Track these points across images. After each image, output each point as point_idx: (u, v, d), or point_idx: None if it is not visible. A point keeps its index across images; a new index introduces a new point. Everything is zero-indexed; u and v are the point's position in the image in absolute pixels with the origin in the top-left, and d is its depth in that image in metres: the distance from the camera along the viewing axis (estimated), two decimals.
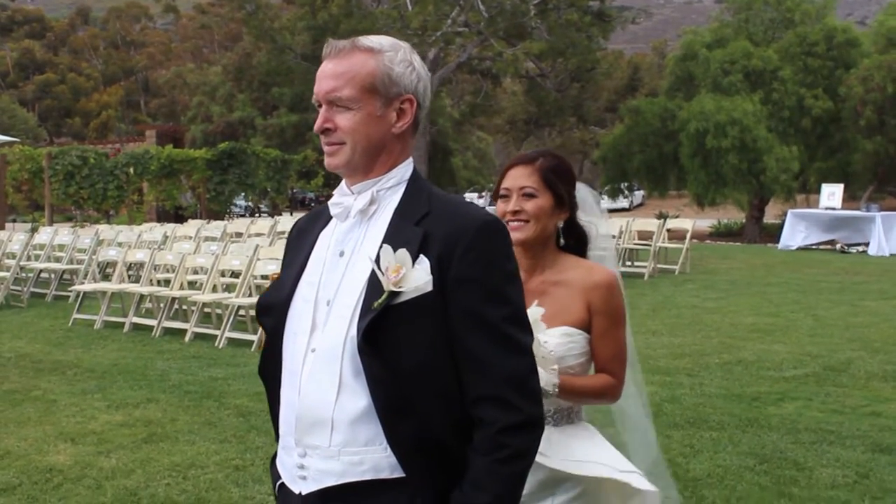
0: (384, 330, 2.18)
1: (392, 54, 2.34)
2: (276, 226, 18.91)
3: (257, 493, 6.23)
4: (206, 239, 16.55)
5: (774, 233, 27.78)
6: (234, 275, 12.65)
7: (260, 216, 31.61)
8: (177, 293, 12.24)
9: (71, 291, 14.45)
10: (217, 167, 31.29)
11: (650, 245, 18.20)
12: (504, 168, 3.21)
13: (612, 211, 44.62)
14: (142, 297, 12.73)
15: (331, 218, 2.44)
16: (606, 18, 34.81)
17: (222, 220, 25.19)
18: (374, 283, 2.21)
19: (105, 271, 15.91)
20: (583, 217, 3.24)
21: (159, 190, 30.62)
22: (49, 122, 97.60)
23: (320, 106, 2.33)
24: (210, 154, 31.57)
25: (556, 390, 2.92)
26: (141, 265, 13.61)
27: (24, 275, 16.20)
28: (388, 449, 2.20)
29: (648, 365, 9.78)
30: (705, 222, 32.41)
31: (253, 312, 10.97)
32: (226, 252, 12.87)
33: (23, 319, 13.70)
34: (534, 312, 2.87)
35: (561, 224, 3.17)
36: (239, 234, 18.58)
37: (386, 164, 2.36)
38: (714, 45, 31.62)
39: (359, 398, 2.21)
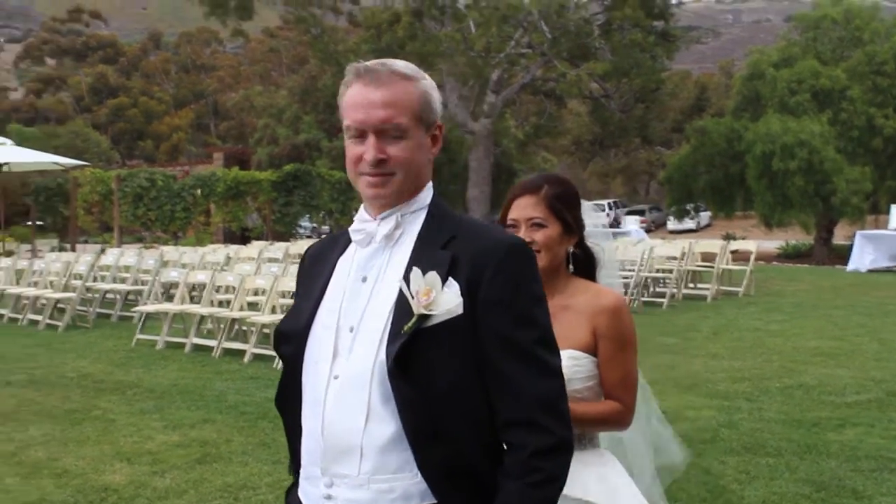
0: (415, 354, 2.16)
1: (427, 81, 2.33)
2: None
3: None
4: (269, 260, 16.70)
5: (844, 254, 27.26)
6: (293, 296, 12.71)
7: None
8: (236, 314, 12.35)
9: (135, 312, 14.65)
10: (282, 189, 31.61)
11: (714, 267, 18.00)
12: (509, 197, 3.19)
13: (678, 232, 44.28)
14: (202, 317, 12.85)
15: (347, 244, 2.41)
16: (671, 38, 34.62)
17: (287, 241, 25.42)
18: (401, 308, 2.19)
19: (169, 292, 16.12)
20: (590, 238, 3.25)
21: (225, 211, 30.99)
22: (122, 145, 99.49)
23: (361, 135, 2.27)
24: (275, 176, 31.93)
25: None
26: (203, 286, 13.76)
27: (90, 295, 16.50)
28: (419, 475, 2.17)
29: (707, 389, 9.67)
30: (773, 244, 31.97)
31: None
32: (285, 273, 12.97)
33: (87, 339, 13.93)
34: None
35: (571, 249, 3.17)
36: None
37: (415, 191, 2.34)
38: (781, 64, 31.29)
39: (388, 424, 2.18)
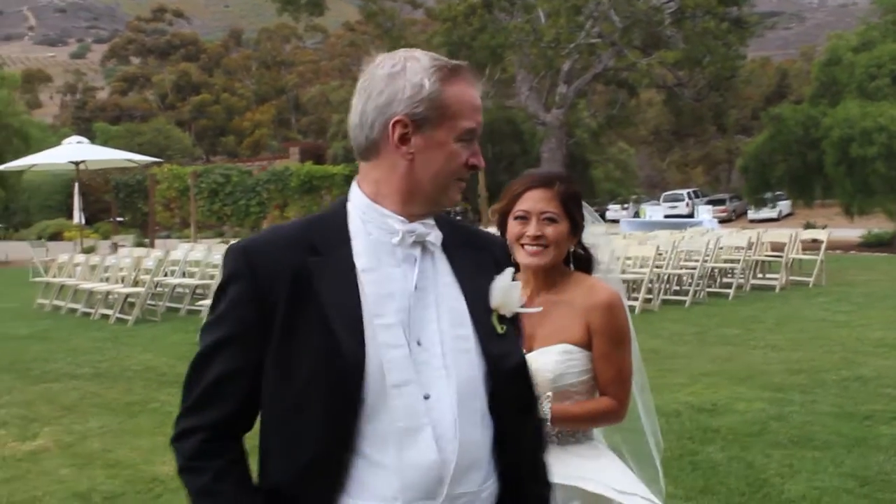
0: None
1: None
2: None
3: None
4: None
5: None
6: None
7: None
8: None
9: (201, 306, 14.92)
10: None
11: (783, 257, 17.72)
12: (518, 188, 3.13)
13: (759, 221, 43.47)
14: None
15: (337, 258, 2.09)
16: (744, 25, 34.08)
17: None
18: (476, 309, 2.15)
19: None
20: (587, 235, 3.23)
21: (300, 206, 31.36)
22: (205, 141, 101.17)
23: (471, 139, 2.13)
24: (348, 170, 32.23)
25: (547, 420, 2.92)
26: None
27: (160, 290, 16.85)
28: (495, 477, 2.16)
29: (761, 381, 9.53)
30: (856, 232, 31.23)
31: None
32: None
33: (155, 333, 14.23)
34: None
35: (572, 248, 3.16)
36: None
37: None
38: (860, 48, 30.61)
39: (489, 428, 2.13)
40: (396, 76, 2.05)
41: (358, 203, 2.13)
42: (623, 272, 15.02)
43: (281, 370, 2.03)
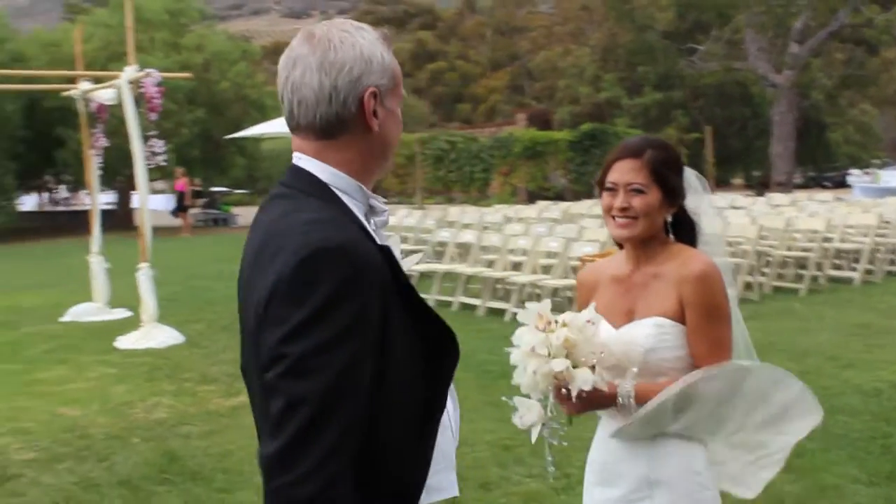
0: None
1: None
2: None
3: (514, 473, 6.35)
4: (551, 220, 16.81)
5: None
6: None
7: None
8: (498, 274, 12.59)
9: (412, 271, 15.24)
10: (579, 148, 31.74)
11: None
12: (609, 159, 3.07)
13: None
14: (469, 277, 13.20)
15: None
16: None
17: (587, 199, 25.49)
18: None
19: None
20: (690, 203, 3.09)
21: (525, 171, 31.46)
22: (441, 108, 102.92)
23: None
24: (572, 136, 32.10)
25: (631, 400, 2.85)
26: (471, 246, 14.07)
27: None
28: None
29: None
30: None
31: (570, 294, 11.12)
32: (552, 234, 13.07)
33: None
34: (585, 314, 2.80)
35: (670, 217, 3.03)
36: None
37: None
38: None
39: None
40: (361, 48, 2.03)
41: (345, 187, 2.08)
42: (842, 241, 14.30)
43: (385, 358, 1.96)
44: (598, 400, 2.81)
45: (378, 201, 2.14)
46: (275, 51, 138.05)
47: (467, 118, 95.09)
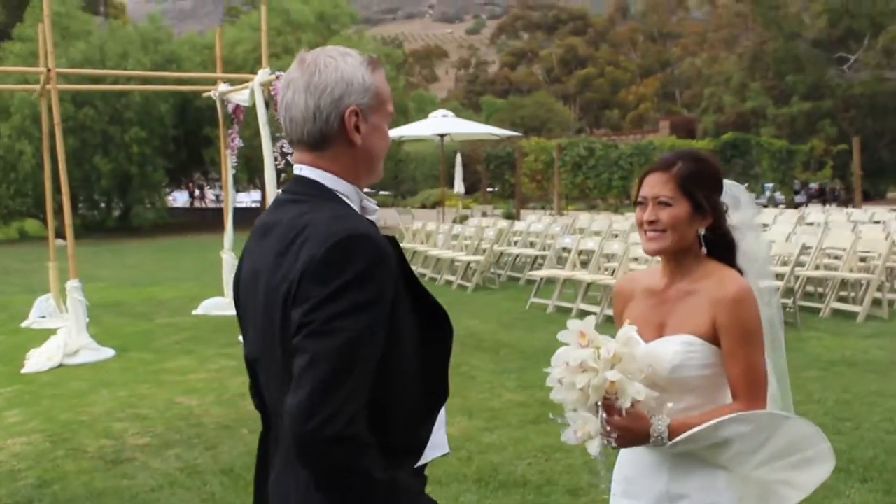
0: None
1: None
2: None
3: (605, 480, 6.32)
4: None
5: None
6: None
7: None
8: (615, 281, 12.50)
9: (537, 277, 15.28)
10: (720, 158, 31.20)
11: None
12: (643, 173, 3.07)
13: None
14: (589, 284, 13.15)
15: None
16: None
17: None
18: None
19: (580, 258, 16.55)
20: (734, 219, 3.05)
21: None
22: (589, 114, 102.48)
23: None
24: (713, 145, 31.60)
25: (665, 438, 2.80)
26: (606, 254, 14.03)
27: (505, 259, 17.48)
28: None
29: None
30: None
31: None
32: None
33: (489, 300, 14.77)
34: (625, 331, 2.81)
35: (703, 231, 2.99)
36: None
37: None
38: None
39: None
40: (343, 72, 2.28)
41: (345, 190, 2.33)
42: None
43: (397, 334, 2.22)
44: (633, 435, 2.80)
45: (370, 202, 2.39)
46: (425, 54, 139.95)
47: (616, 125, 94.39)
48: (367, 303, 2.08)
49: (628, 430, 2.77)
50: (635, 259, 13.01)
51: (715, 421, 2.76)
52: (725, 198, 3.05)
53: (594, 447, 2.82)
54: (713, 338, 2.89)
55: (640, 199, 3.03)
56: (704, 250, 3.02)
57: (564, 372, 2.75)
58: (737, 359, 2.86)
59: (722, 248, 3.03)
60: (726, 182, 3.09)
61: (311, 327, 2.06)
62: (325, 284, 2.06)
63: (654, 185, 2.97)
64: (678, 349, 2.89)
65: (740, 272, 3.00)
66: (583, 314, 12.63)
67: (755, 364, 2.88)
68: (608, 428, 2.75)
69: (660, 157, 3.12)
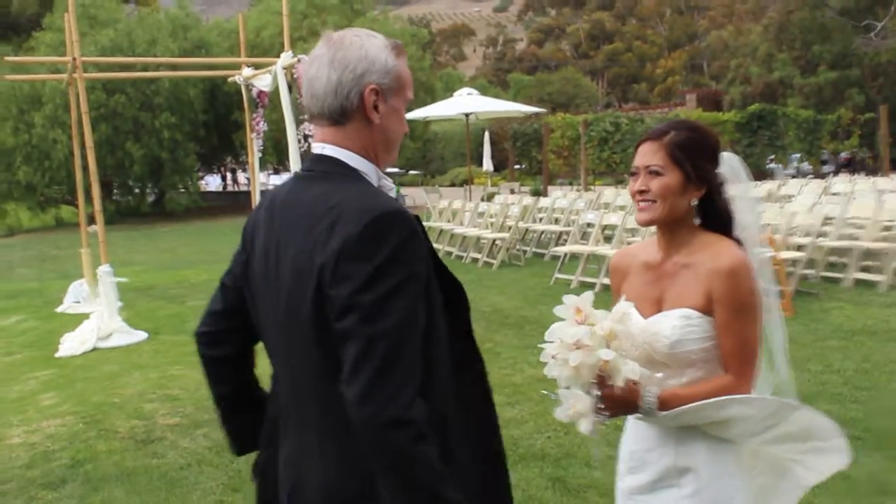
0: None
1: None
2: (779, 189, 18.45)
3: (599, 456, 6.42)
4: None
5: None
6: None
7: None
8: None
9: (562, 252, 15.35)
10: (746, 130, 31.08)
11: None
12: (637, 143, 3.02)
13: None
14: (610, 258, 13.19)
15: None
16: None
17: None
18: None
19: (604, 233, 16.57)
20: (732, 191, 2.98)
21: None
22: (616, 89, 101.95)
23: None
24: (739, 116, 31.43)
25: (654, 408, 2.81)
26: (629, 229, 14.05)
27: (531, 236, 17.55)
28: None
29: None
30: None
31: None
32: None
33: (514, 277, 14.85)
34: (621, 307, 2.82)
35: (695, 202, 2.92)
36: None
37: None
38: None
39: None
40: (367, 50, 2.33)
41: (366, 169, 2.38)
42: None
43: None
44: (623, 404, 2.76)
45: (387, 180, 2.42)
46: (452, 33, 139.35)
47: (644, 99, 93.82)
48: (405, 279, 2.13)
49: (621, 400, 2.74)
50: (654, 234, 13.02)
51: (716, 399, 2.77)
52: (723, 169, 2.98)
53: (585, 426, 2.76)
54: (710, 310, 2.86)
55: (633, 170, 3.00)
56: (698, 221, 2.97)
57: (558, 348, 2.71)
58: (730, 332, 2.83)
59: (715, 219, 2.97)
60: (724, 154, 3.03)
61: (361, 311, 2.09)
62: (367, 261, 2.10)
63: (646, 155, 2.94)
64: (676, 324, 2.86)
65: (739, 244, 2.94)
66: (606, 288, 12.74)
67: (749, 338, 2.85)
68: (600, 406, 2.71)
69: (653, 128, 3.07)
